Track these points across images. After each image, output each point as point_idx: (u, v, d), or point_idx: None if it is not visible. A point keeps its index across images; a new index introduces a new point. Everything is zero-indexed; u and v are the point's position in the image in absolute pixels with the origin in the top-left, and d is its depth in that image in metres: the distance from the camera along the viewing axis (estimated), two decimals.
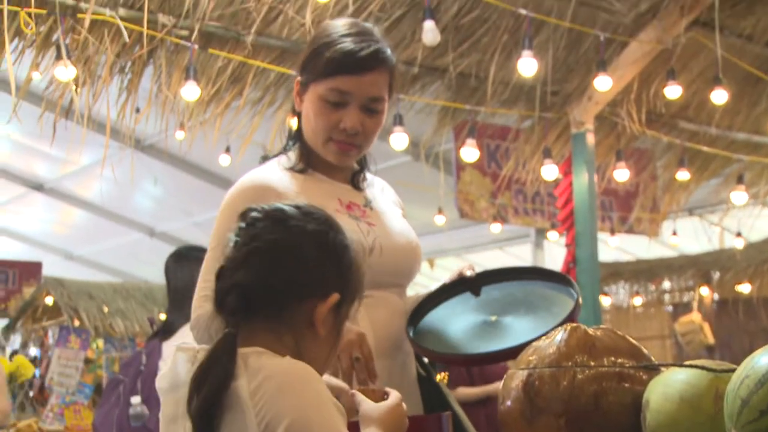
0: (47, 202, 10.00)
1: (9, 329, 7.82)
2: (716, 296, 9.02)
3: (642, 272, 9.32)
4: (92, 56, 3.89)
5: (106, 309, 8.55)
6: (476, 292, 1.90)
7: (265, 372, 1.19)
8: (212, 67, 4.35)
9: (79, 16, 3.72)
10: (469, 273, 1.90)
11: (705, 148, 6.16)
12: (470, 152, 5.23)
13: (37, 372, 7.59)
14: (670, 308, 9.48)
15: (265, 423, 1.16)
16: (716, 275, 8.82)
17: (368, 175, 1.92)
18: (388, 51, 1.80)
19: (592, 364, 1.35)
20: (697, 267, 8.91)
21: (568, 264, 5.45)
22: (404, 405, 1.34)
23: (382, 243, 1.76)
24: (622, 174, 5.72)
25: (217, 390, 1.19)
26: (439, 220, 7.10)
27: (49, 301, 8.61)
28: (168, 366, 1.31)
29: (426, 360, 1.92)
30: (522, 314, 1.81)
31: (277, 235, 1.28)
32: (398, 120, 4.77)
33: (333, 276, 1.31)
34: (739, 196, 6.23)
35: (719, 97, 4.90)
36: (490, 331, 1.79)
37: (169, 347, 3.27)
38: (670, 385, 1.27)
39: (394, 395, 1.34)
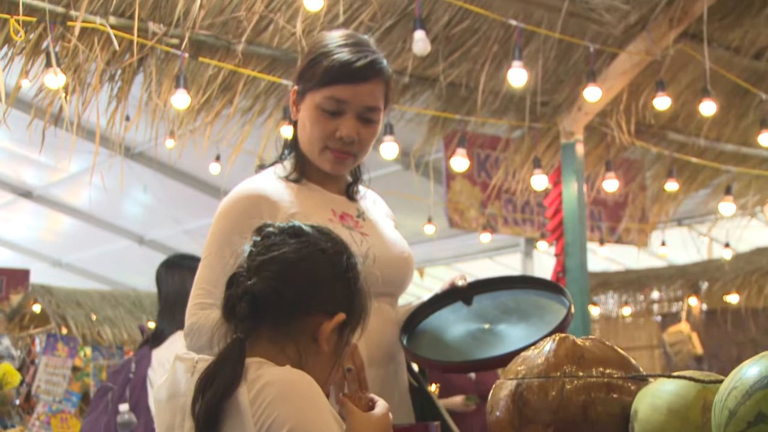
0: (36, 209, 9.95)
1: None
2: (705, 307, 9.05)
3: (631, 282, 9.35)
4: (82, 64, 3.88)
5: (94, 317, 8.50)
6: (468, 302, 1.90)
7: (264, 380, 1.20)
8: (202, 75, 4.35)
9: (69, 23, 3.72)
10: (460, 283, 1.91)
11: (694, 159, 6.19)
12: (460, 162, 5.24)
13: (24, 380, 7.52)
14: (658, 318, 9.50)
15: (264, 430, 1.16)
16: (705, 286, 8.86)
17: (361, 188, 1.93)
18: (385, 62, 1.83)
19: (581, 374, 1.35)
20: (686, 277, 8.94)
21: (557, 274, 5.46)
22: (391, 415, 1.34)
23: (375, 252, 1.77)
24: (611, 184, 5.75)
25: (223, 393, 1.20)
26: (429, 229, 7.11)
27: (36, 308, 8.56)
28: (166, 375, 1.31)
29: (418, 369, 1.92)
30: (515, 322, 1.82)
31: (292, 248, 1.30)
32: (388, 129, 4.77)
33: (342, 296, 1.33)
34: (727, 206, 6.26)
35: (708, 108, 4.94)
36: (483, 338, 1.80)
37: (158, 355, 3.26)
38: (658, 396, 1.27)
39: (381, 405, 1.34)
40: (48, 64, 3.58)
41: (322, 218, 1.78)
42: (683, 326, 8.65)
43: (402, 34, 4.56)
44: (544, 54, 4.98)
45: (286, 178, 1.83)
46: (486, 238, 7.02)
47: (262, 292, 1.26)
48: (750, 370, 1.12)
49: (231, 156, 4.83)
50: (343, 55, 1.76)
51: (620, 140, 5.69)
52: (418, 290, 7.45)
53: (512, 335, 1.77)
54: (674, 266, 9.26)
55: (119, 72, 4.10)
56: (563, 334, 1.45)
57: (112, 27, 3.81)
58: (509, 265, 9.78)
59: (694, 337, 8.55)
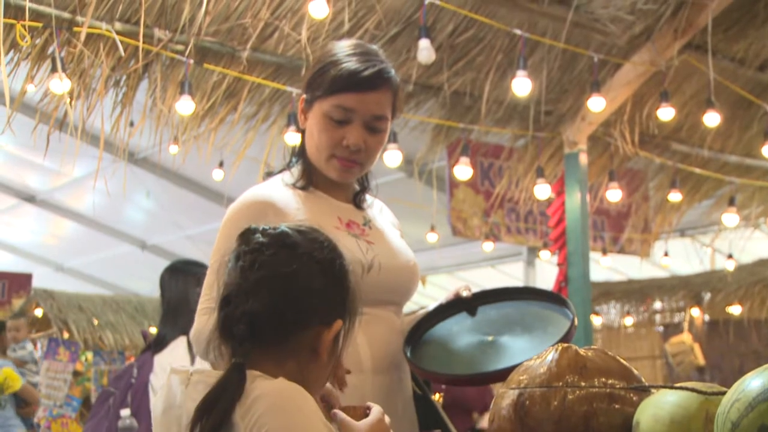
0: (39, 214, 9.97)
1: None
2: (707, 317, 9.04)
3: (633, 292, 9.34)
4: (87, 69, 3.89)
5: (95, 321, 8.51)
6: (472, 312, 1.90)
7: (256, 393, 1.19)
8: (207, 81, 4.36)
9: (75, 29, 3.73)
10: (465, 293, 1.91)
11: (697, 170, 6.19)
12: (463, 170, 5.24)
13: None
14: (661, 329, 9.48)
15: None
16: (707, 296, 8.84)
17: (368, 197, 1.94)
18: (392, 72, 1.84)
19: (583, 384, 1.34)
20: (688, 288, 8.93)
21: (559, 283, 5.45)
22: (387, 418, 1.34)
23: (381, 261, 1.77)
24: (614, 194, 5.74)
25: (221, 420, 1.19)
26: (432, 237, 7.11)
27: (38, 312, 8.57)
28: (162, 389, 1.31)
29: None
30: (518, 334, 1.81)
31: (287, 265, 1.27)
32: (392, 137, 4.78)
33: (338, 303, 1.32)
34: (730, 218, 6.25)
35: (711, 119, 4.94)
36: (486, 350, 1.80)
37: (160, 360, 3.26)
38: (660, 407, 1.27)
39: (375, 410, 1.34)
40: (53, 69, 3.60)
41: (328, 226, 1.78)
42: (685, 337, 8.64)
43: (407, 42, 4.57)
44: (549, 64, 4.98)
45: (294, 186, 1.84)
46: (488, 246, 7.01)
47: (260, 313, 1.24)
48: (753, 382, 1.12)
49: (234, 162, 4.83)
50: (351, 64, 1.77)
51: (624, 150, 5.69)
52: (421, 298, 7.46)
53: (515, 348, 1.76)
54: (677, 277, 9.25)
55: (124, 78, 4.11)
56: (565, 344, 1.44)
57: (118, 33, 3.82)
58: (511, 273, 9.77)
59: (697, 347, 8.53)
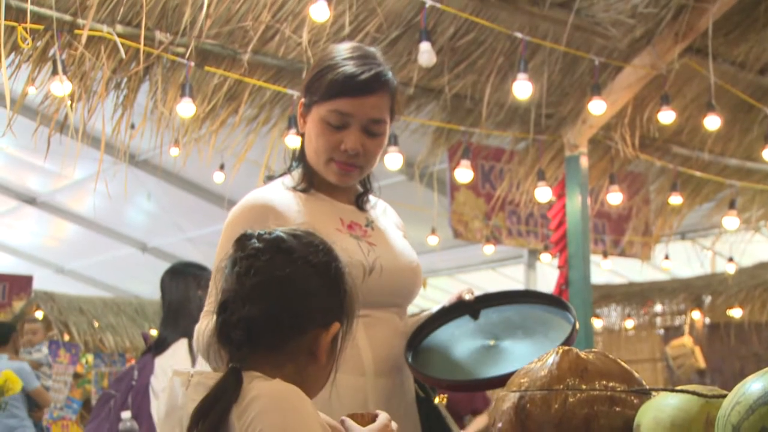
0: (39, 216, 9.97)
1: None
2: (708, 320, 9.03)
3: (634, 295, 9.33)
4: (88, 72, 3.90)
5: (96, 324, 8.51)
6: (475, 316, 1.90)
7: (252, 395, 1.20)
8: (208, 84, 4.36)
9: (76, 32, 3.73)
10: (468, 297, 1.91)
11: (698, 173, 6.19)
12: (464, 173, 5.24)
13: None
14: (661, 332, 9.48)
15: None
16: (708, 299, 8.84)
17: (371, 197, 1.93)
18: (390, 74, 1.82)
19: (584, 387, 1.34)
20: (689, 291, 8.93)
21: (560, 286, 5.45)
22: (394, 424, 1.34)
23: (383, 263, 1.77)
24: (615, 197, 5.74)
25: (218, 423, 1.19)
26: (432, 240, 7.11)
27: (38, 315, 8.56)
28: (165, 392, 1.31)
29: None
30: (520, 338, 1.81)
31: (283, 270, 1.27)
32: (393, 140, 4.78)
33: (334, 306, 1.32)
34: (731, 221, 6.25)
35: (712, 122, 4.94)
36: (488, 355, 1.79)
37: (161, 363, 3.26)
38: (661, 410, 1.27)
39: (382, 416, 1.34)
40: (54, 72, 3.60)
41: (330, 228, 1.78)
42: (686, 340, 8.63)
43: (407, 45, 4.58)
44: (549, 67, 4.99)
45: (294, 189, 1.84)
46: (489, 249, 7.01)
47: (258, 318, 1.25)
48: (753, 386, 1.12)
49: (235, 165, 4.84)
50: (348, 68, 1.77)
51: (624, 153, 5.69)
52: (422, 301, 7.44)
53: (517, 352, 1.76)
54: (677, 280, 9.25)
55: (125, 80, 4.11)
56: (566, 347, 1.45)
57: (119, 35, 3.83)
58: (512, 276, 9.77)
59: (697, 350, 8.53)
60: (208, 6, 3.84)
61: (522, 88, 4.37)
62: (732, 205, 6.28)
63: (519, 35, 4.51)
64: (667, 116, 4.89)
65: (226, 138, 4.72)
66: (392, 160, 4.76)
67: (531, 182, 5.71)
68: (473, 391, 1.98)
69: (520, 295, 1.95)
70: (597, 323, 9.01)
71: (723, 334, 8.72)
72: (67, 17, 3.74)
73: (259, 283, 1.26)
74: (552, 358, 1.40)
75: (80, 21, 3.73)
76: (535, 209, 6.39)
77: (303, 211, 1.77)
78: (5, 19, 3.42)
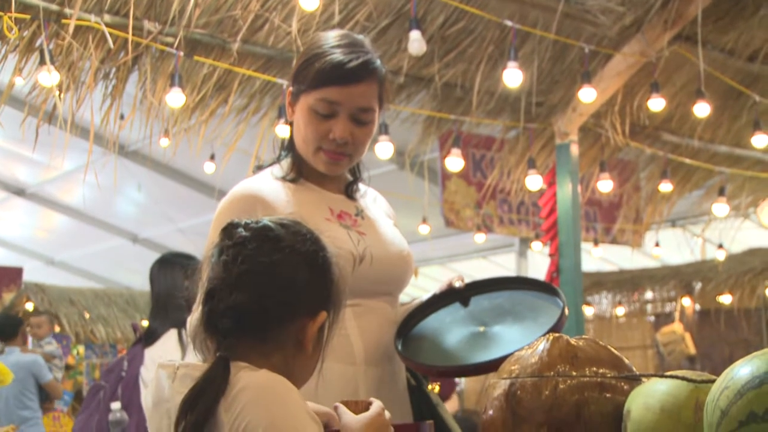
0: (29, 207, 9.93)
1: None
2: (698, 307, 9.08)
3: (625, 282, 9.38)
4: (76, 62, 3.87)
5: (87, 315, 8.49)
6: (465, 303, 1.91)
7: (239, 386, 1.20)
8: (197, 74, 4.34)
9: (64, 21, 3.71)
10: (458, 284, 1.91)
11: (687, 161, 6.21)
12: (455, 162, 5.24)
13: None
14: (652, 318, 9.53)
15: None
16: (698, 286, 8.89)
17: (361, 186, 1.93)
18: (378, 62, 1.81)
19: (574, 374, 1.35)
20: (679, 278, 8.97)
21: (551, 274, 5.47)
22: (387, 413, 1.34)
23: (373, 252, 1.77)
24: (605, 185, 5.76)
25: (206, 414, 1.19)
26: (424, 229, 7.11)
27: (29, 306, 8.54)
28: (152, 383, 1.31)
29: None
30: (510, 324, 1.82)
31: (270, 258, 1.27)
32: (383, 129, 4.77)
33: (321, 294, 1.32)
34: (720, 208, 6.28)
35: (702, 110, 4.95)
36: (478, 341, 1.80)
37: (151, 354, 3.25)
38: (651, 396, 1.27)
39: (375, 404, 1.34)
40: (42, 62, 3.57)
41: (319, 218, 1.77)
42: (676, 326, 8.69)
43: (397, 34, 4.56)
44: (539, 55, 4.98)
45: (284, 179, 1.83)
46: (480, 238, 7.02)
47: (245, 306, 1.24)
48: (742, 370, 1.13)
49: (225, 155, 4.82)
50: (335, 56, 1.76)
51: (615, 141, 5.71)
52: (413, 290, 7.46)
53: (507, 338, 1.77)
54: (668, 267, 9.30)
55: (114, 70, 4.09)
56: (557, 334, 1.45)
57: (107, 25, 3.80)
58: (503, 265, 9.80)
59: (687, 337, 8.58)
60: None
61: (512, 77, 4.37)
62: (722, 192, 6.31)
63: (509, 23, 4.51)
64: (656, 103, 4.90)
65: (216, 128, 4.70)
66: (383, 149, 4.75)
67: (522, 170, 5.72)
68: (464, 376, 1.98)
69: (510, 281, 1.96)
70: (588, 311, 9.05)
71: (713, 321, 8.78)
72: (54, 6, 3.71)
73: (246, 271, 1.26)
74: (542, 345, 1.41)
75: (67, 10, 3.70)
76: (526, 197, 6.40)
77: (292, 201, 1.77)
78: None
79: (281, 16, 4.19)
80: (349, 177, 1.91)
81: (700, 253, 9.02)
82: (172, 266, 3.36)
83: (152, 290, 3.43)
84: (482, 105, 5.28)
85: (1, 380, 5.87)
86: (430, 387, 1.90)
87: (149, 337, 3.32)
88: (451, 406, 4.58)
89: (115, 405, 3.16)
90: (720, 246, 7.81)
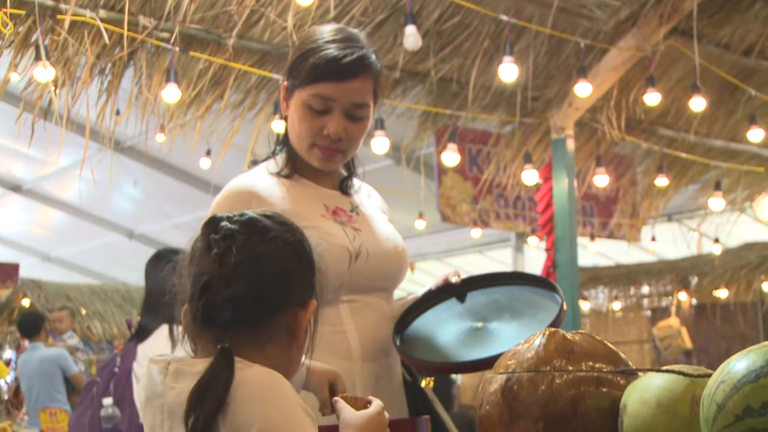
0: (25, 203, 9.91)
1: None
2: (694, 301, 9.11)
3: (621, 277, 9.40)
4: (72, 57, 3.86)
5: (83, 311, 8.49)
6: (462, 298, 1.90)
7: (235, 381, 1.19)
8: (193, 69, 4.33)
9: (59, 17, 3.69)
10: (454, 279, 1.91)
11: (683, 155, 6.22)
12: (451, 157, 5.24)
13: (12, 375, 7.51)
14: (648, 313, 9.55)
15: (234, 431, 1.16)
16: (694, 280, 8.92)
17: (356, 181, 1.92)
18: (373, 57, 1.79)
19: (571, 368, 1.35)
20: (676, 272, 8.99)
21: (547, 268, 5.48)
22: (387, 414, 1.34)
23: (368, 248, 1.77)
24: (601, 179, 5.76)
25: (216, 408, 1.18)
26: (420, 224, 7.11)
27: (25, 302, 8.53)
28: (144, 378, 1.31)
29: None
30: (507, 320, 1.81)
31: (262, 248, 1.28)
32: (379, 124, 4.77)
33: (309, 284, 1.33)
34: (716, 202, 6.29)
35: (697, 104, 4.96)
36: (475, 338, 1.80)
37: (144, 349, 3.26)
38: (647, 390, 1.28)
39: (376, 403, 1.34)
40: (37, 58, 3.56)
41: (314, 213, 1.77)
42: (673, 321, 8.71)
43: (393, 28, 4.56)
44: (535, 49, 4.98)
45: (278, 174, 1.83)
46: (477, 233, 7.03)
47: (242, 297, 1.24)
48: (738, 365, 1.13)
49: (221, 150, 4.82)
50: (330, 51, 1.74)
51: (611, 136, 5.71)
52: (410, 285, 7.46)
53: (504, 334, 1.77)
54: (664, 261, 9.32)
55: (109, 66, 4.08)
56: (553, 329, 1.45)
57: (102, 20, 3.79)
58: (500, 259, 9.81)
59: (684, 331, 8.60)
60: None
61: (508, 71, 4.37)
62: (717, 187, 6.32)
63: (504, 18, 4.50)
64: (652, 98, 4.90)
65: (212, 123, 4.69)
66: (379, 144, 4.75)
67: (518, 165, 5.72)
68: (462, 372, 1.98)
69: (507, 276, 1.95)
70: (584, 305, 9.06)
71: (709, 315, 8.81)
72: (50, 2, 3.70)
73: (241, 261, 1.26)
74: (539, 340, 1.41)
75: (63, 6, 3.68)
76: (523, 192, 6.40)
77: (287, 197, 1.77)
78: None
79: (277, 11, 4.18)
80: (344, 172, 1.91)
81: (696, 248, 9.04)
82: (165, 262, 3.35)
83: (146, 286, 3.43)
84: (478, 100, 5.28)
85: None
86: (424, 383, 1.90)
87: (141, 333, 3.32)
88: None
89: (107, 400, 3.16)
90: (716, 240, 7.82)
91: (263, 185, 1.78)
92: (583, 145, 5.91)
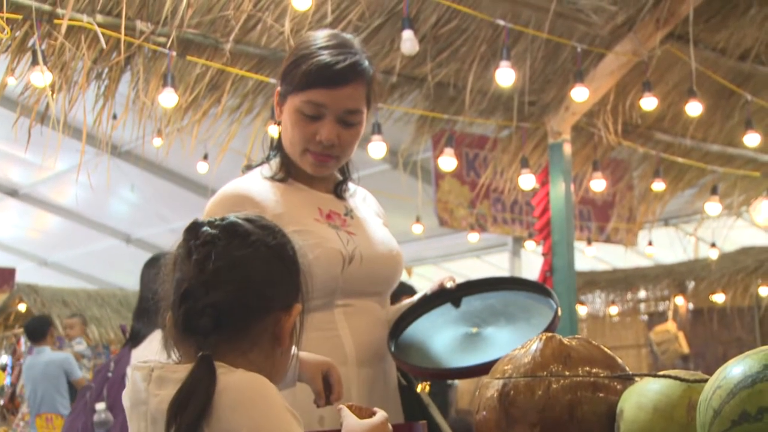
0: (22, 208, 9.89)
1: None
2: (691, 306, 9.11)
3: (618, 281, 9.40)
4: (69, 62, 3.86)
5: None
6: (457, 304, 1.90)
7: (218, 387, 1.18)
8: (190, 74, 4.34)
9: (56, 21, 3.69)
10: (449, 284, 1.90)
11: (680, 159, 6.23)
12: (448, 161, 5.24)
13: (8, 380, 7.49)
14: (645, 317, 9.56)
15: None
16: (691, 285, 8.92)
17: (350, 185, 1.92)
18: (366, 63, 1.79)
19: (567, 373, 1.35)
20: (672, 277, 9.00)
21: (544, 273, 5.48)
22: (390, 426, 1.34)
23: (362, 252, 1.77)
24: (598, 184, 5.77)
25: (199, 417, 1.17)
26: (417, 228, 7.11)
27: (21, 307, 8.52)
28: (128, 384, 1.30)
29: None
30: (502, 325, 1.81)
31: (242, 252, 1.26)
32: (376, 128, 4.78)
33: (294, 287, 1.31)
34: (713, 206, 6.30)
35: (694, 109, 4.97)
36: (470, 343, 1.79)
37: (138, 355, 3.25)
38: (644, 395, 1.28)
39: (380, 414, 1.34)
40: (34, 62, 3.56)
41: (308, 217, 1.77)
42: (670, 325, 8.71)
43: (390, 33, 4.56)
44: (532, 54, 4.99)
45: (272, 178, 1.83)
46: (474, 237, 7.03)
47: (223, 303, 1.23)
48: (734, 370, 1.13)
49: (218, 155, 4.82)
50: (323, 57, 1.74)
51: (607, 140, 5.72)
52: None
53: (499, 340, 1.76)
54: (661, 266, 9.32)
55: (106, 70, 4.08)
56: (550, 334, 1.45)
57: (99, 25, 3.79)
58: (497, 264, 9.80)
59: (681, 336, 8.61)
60: None
61: (505, 76, 4.37)
62: (714, 191, 6.33)
63: (501, 23, 4.51)
64: (649, 103, 4.91)
65: (209, 128, 4.69)
66: (376, 148, 4.75)
67: (515, 170, 5.72)
68: (457, 378, 1.98)
69: (502, 282, 1.95)
70: (581, 310, 9.06)
71: (706, 320, 8.81)
72: (47, 7, 3.70)
73: (221, 267, 1.24)
74: (535, 345, 1.41)
75: (60, 11, 3.69)
76: (520, 197, 6.41)
77: (280, 201, 1.76)
78: None
79: (274, 16, 4.18)
80: (339, 177, 1.91)
81: (693, 252, 9.04)
82: (156, 268, 3.34)
83: (140, 291, 3.42)
84: (475, 104, 5.29)
85: None
86: (420, 387, 1.89)
87: (134, 339, 3.31)
88: None
89: (100, 406, 3.15)
90: (713, 245, 7.83)
91: (257, 189, 1.78)
92: (579, 150, 5.92)
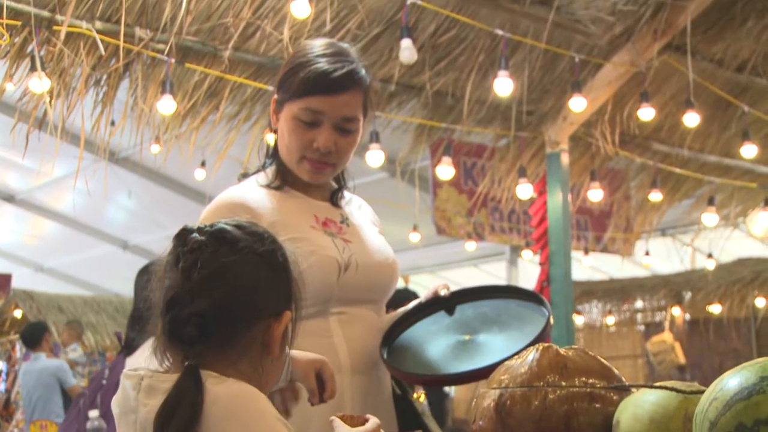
0: (18, 214, 9.88)
1: None
2: (687, 316, 9.11)
3: (615, 291, 9.40)
4: (67, 68, 3.86)
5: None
6: (450, 311, 1.90)
7: (208, 398, 1.17)
8: (189, 81, 4.34)
9: (55, 28, 3.70)
10: (443, 292, 1.91)
11: (677, 170, 6.24)
12: (446, 170, 5.25)
13: (3, 387, 7.48)
14: (642, 328, 9.56)
15: None
16: (688, 295, 8.92)
17: (346, 193, 1.93)
18: (363, 71, 1.81)
19: (564, 384, 1.35)
20: (669, 287, 9.00)
21: (541, 282, 5.48)
22: None
23: (358, 260, 1.77)
24: (596, 194, 5.77)
25: (186, 428, 1.15)
26: (414, 237, 7.11)
27: (17, 314, 8.49)
28: (118, 392, 1.29)
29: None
30: (495, 333, 1.82)
31: (229, 260, 1.24)
32: (374, 137, 4.78)
33: (284, 294, 1.29)
34: (710, 217, 6.31)
35: (691, 119, 4.98)
36: (463, 350, 1.80)
37: (132, 362, 3.24)
38: (640, 406, 1.27)
39: (372, 421, 1.34)
40: (33, 68, 3.57)
41: (304, 225, 1.77)
42: (666, 336, 8.71)
43: (389, 42, 4.57)
44: (530, 64, 5.00)
45: (268, 186, 1.83)
46: (471, 246, 7.03)
47: (208, 312, 1.21)
48: (730, 382, 1.13)
49: (216, 162, 4.81)
50: (320, 65, 1.76)
51: (605, 150, 5.73)
52: None
53: (491, 347, 1.77)
54: (658, 276, 9.33)
55: (105, 77, 4.08)
56: (546, 344, 1.45)
57: (98, 32, 3.79)
58: (494, 273, 9.80)
59: (677, 346, 8.60)
60: (189, 2, 3.82)
61: (503, 85, 4.38)
62: (711, 202, 6.34)
63: (500, 32, 4.52)
64: (646, 113, 4.92)
65: (207, 135, 4.69)
66: (374, 157, 4.76)
67: (512, 179, 5.73)
68: (449, 385, 1.98)
69: (496, 290, 1.96)
70: (578, 320, 9.06)
71: (702, 330, 8.81)
72: (46, 13, 3.70)
73: (207, 275, 1.22)
74: (532, 355, 1.41)
75: (59, 17, 3.69)
76: (517, 206, 6.41)
77: (277, 209, 1.77)
78: None
79: (273, 24, 4.19)
80: (334, 184, 1.91)
81: (689, 263, 9.05)
82: (149, 275, 3.33)
83: (134, 299, 3.41)
84: (473, 113, 5.29)
85: None
86: (415, 395, 1.89)
87: (129, 346, 3.29)
88: None
89: (93, 413, 3.14)
90: (709, 255, 7.84)
91: (253, 197, 1.78)
92: (577, 160, 5.93)
